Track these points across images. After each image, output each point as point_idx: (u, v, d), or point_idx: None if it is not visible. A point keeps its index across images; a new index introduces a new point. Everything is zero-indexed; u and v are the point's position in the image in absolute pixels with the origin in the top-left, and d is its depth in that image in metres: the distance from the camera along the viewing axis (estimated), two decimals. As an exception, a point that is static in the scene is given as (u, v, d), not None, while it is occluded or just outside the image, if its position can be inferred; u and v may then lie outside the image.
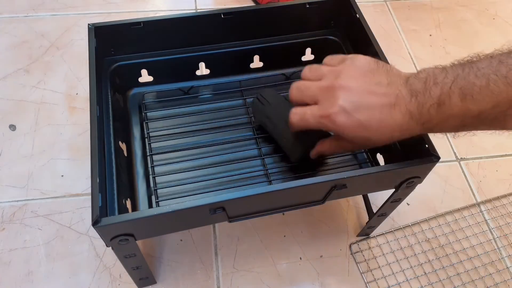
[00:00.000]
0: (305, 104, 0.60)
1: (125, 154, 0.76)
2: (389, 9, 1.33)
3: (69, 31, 1.17)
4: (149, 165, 0.77)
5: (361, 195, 0.89)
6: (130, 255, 0.64)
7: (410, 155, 0.70)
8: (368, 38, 0.77)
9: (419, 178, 0.66)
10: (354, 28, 0.82)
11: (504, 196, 0.97)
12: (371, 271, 0.85)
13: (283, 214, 0.90)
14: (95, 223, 0.53)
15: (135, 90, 0.86)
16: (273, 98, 0.78)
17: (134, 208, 0.73)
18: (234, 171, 0.78)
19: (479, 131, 0.51)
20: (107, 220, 0.54)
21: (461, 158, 1.03)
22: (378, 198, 0.90)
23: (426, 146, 0.64)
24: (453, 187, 0.98)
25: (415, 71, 0.52)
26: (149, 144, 0.80)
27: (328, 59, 0.63)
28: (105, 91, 0.76)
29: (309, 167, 0.78)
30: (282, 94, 0.81)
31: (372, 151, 0.81)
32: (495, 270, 0.87)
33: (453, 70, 0.49)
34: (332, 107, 0.54)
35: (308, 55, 0.92)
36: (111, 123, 0.72)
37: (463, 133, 0.53)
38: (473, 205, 0.95)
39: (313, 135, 0.73)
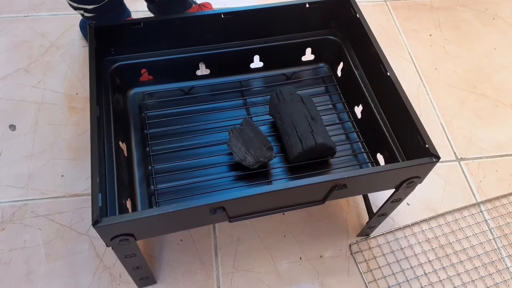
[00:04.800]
0: None
1: (125, 154, 0.76)
2: (389, 9, 1.33)
3: (69, 31, 1.17)
4: (149, 165, 0.77)
5: (361, 195, 0.89)
6: (130, 255, 0.64)
7: (410, 155, 0.70)
8: (368, 38, 0.77)
9: (419, 178, 0.66)
10: (354, 28, 0.82)
11: (504, 196, 0.97)
12: (371, 271, 0.85)
13: (283, 214, 0.90)
14: (95, 223, 0.53)
15: (135, 90, 0.86)
16: (289, 96, 0.80)
17: (134, 208, 0.73)
18: (234, 171, 0.78)
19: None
20: (107, 220, 0.54)
21: (461, 158, 1.03)
22: (378, 198, 0.90)
23: (426, 146, 0.64)
24: (453, 187, 0.98)
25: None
26: (150, 144, 0.80)
27: None
28: (105, 91, 0.76)
29: (309, 167, 0.79)
30: (301, 91, 0.82)
31: (372, 151, 0.81)
32: (495, 270, 0.87)
33: None
34: None
35: (308, 55, 0.92)
36: (111, 123, 0.72)
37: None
38: (473, 205, 0.95)
39: (320, 151, 0.75)
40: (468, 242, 0.90)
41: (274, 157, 0.75)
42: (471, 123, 1.08)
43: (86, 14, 0.90)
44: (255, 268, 0.83)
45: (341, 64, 0.88)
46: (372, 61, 0.77)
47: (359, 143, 0.83)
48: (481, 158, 1.03)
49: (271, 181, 0.77)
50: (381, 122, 0.76)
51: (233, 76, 0.89)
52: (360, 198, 0.93)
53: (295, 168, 0.78)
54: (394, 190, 0.69)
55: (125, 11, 1.03)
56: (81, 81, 1.07)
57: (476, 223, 0.93)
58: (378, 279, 0.84)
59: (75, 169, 0.92)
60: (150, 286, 0.80)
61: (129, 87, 0.85)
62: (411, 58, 1.19)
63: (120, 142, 0.73)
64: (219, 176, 0.77)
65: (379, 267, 0.85)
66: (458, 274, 0.86)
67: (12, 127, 0.98)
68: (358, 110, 0.84)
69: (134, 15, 1.21)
